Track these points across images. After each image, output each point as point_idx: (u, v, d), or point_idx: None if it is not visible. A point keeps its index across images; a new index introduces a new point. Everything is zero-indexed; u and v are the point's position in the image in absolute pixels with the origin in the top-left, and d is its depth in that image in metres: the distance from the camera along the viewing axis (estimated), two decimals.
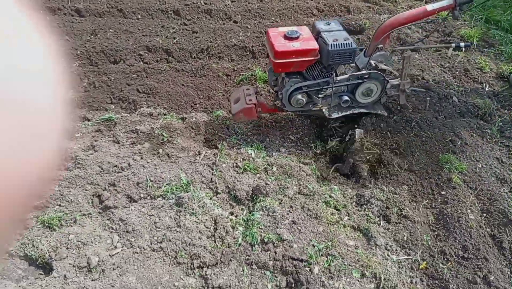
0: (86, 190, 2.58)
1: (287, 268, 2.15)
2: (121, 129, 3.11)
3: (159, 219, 2.35)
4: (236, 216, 2.50)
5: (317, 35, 2.74)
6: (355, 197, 2.70)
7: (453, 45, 2.88)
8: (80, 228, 2.31)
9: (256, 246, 2.28)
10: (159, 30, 4.27)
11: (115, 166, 2.72)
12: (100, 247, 2.21)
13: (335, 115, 2.93)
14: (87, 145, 2.94)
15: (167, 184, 2.56)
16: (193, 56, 4.00)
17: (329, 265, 2.19)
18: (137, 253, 2.20)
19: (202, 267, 2.17)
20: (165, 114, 3.31)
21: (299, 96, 2.77)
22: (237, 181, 2.64)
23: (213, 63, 3.88)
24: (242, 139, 3.04)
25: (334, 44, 2.58)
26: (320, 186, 2.73)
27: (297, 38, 2.63)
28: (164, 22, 4.42)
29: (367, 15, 4.70)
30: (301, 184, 2.69)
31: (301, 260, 2.19)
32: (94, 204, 2.52)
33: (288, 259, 2.18)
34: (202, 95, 3.56)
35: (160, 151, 2.85)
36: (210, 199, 2.56)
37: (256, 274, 2.16)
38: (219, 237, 2.33)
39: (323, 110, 2.94)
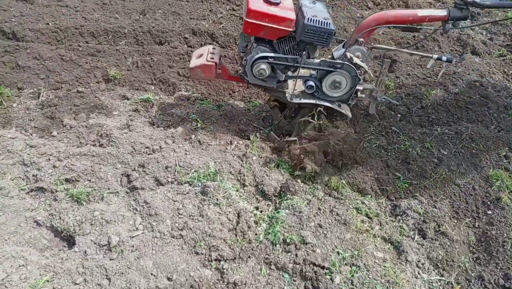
0: (116, 168, 2.60)
1: (307, 273, 2.03)
2: (158, 111, 3.11)
3: (183, 206, 2.31)
4: (261, 211, 2.41)
5: (298, 9, 2.60)
6: (389, 206, 2.53)
7: (435, 56, 2.67)
8: (106, 206, 2.32)
9: (278, 245, 2.19)
10: (206, 14, 4.23)
11: (147, 147, 2.72)
12: (122, 227, 2.21)
13: (296, 100, 2.71)
14: (123, 124, 2.96)
15: (195, 171, 2.52)
16: (237, 43, 3.93)
17: (352, 276, 2.06)
18: (157, 237, 2.18)
19: (219, 260, 2.11)
20: (202, 100, 3.27)
21: (263, 66, 2.58)
22: (266, 175, 2.56)
23: None
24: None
25: (311, 19, 2.43)
26: (354, 191, 2.58)
27: (276, 4, 2.50)
28: (213, 6, 4.37)
29: None
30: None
31: (323, 267, 2.07)
32: (122, 183, 2.53)
33: (309, 264, 2.07)
34: (241, 84, 3.48)
35: (193, 136, 2.82)
36: (237, 190, 2.49)
37: (274, 275, 2.07)
38: (241, 231, 2.26)
39: (286, 92, 2.75)
